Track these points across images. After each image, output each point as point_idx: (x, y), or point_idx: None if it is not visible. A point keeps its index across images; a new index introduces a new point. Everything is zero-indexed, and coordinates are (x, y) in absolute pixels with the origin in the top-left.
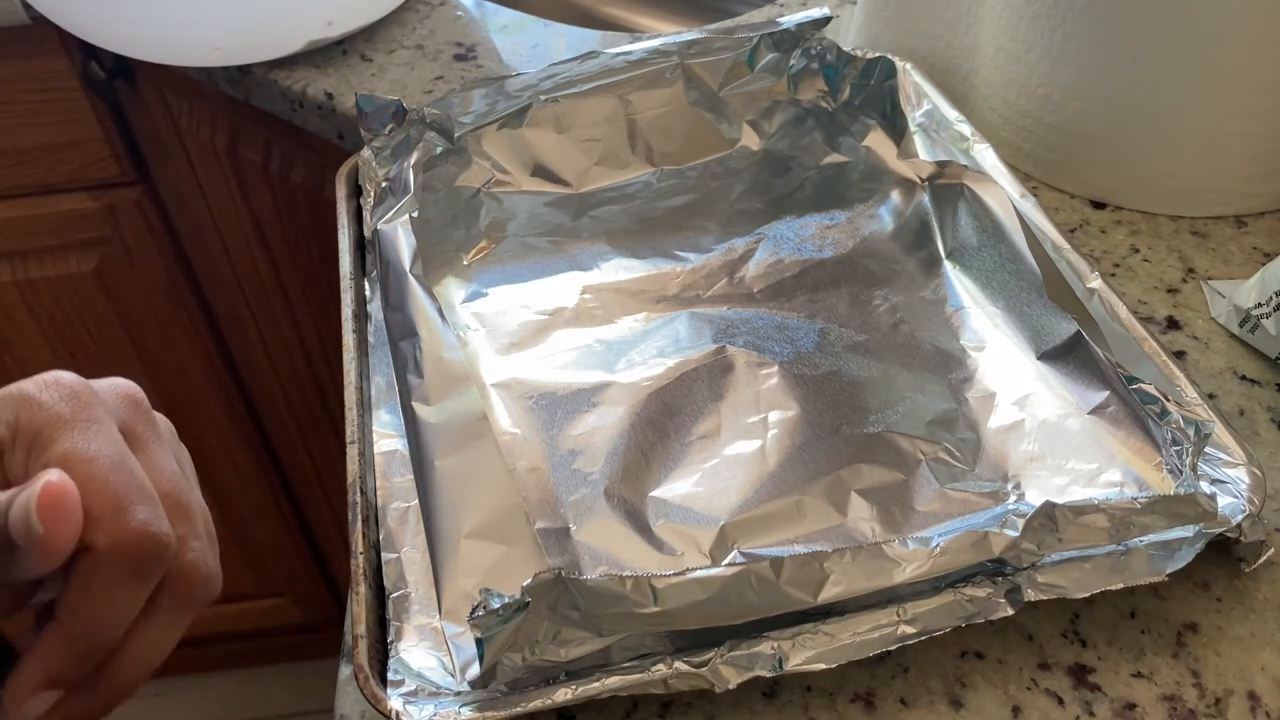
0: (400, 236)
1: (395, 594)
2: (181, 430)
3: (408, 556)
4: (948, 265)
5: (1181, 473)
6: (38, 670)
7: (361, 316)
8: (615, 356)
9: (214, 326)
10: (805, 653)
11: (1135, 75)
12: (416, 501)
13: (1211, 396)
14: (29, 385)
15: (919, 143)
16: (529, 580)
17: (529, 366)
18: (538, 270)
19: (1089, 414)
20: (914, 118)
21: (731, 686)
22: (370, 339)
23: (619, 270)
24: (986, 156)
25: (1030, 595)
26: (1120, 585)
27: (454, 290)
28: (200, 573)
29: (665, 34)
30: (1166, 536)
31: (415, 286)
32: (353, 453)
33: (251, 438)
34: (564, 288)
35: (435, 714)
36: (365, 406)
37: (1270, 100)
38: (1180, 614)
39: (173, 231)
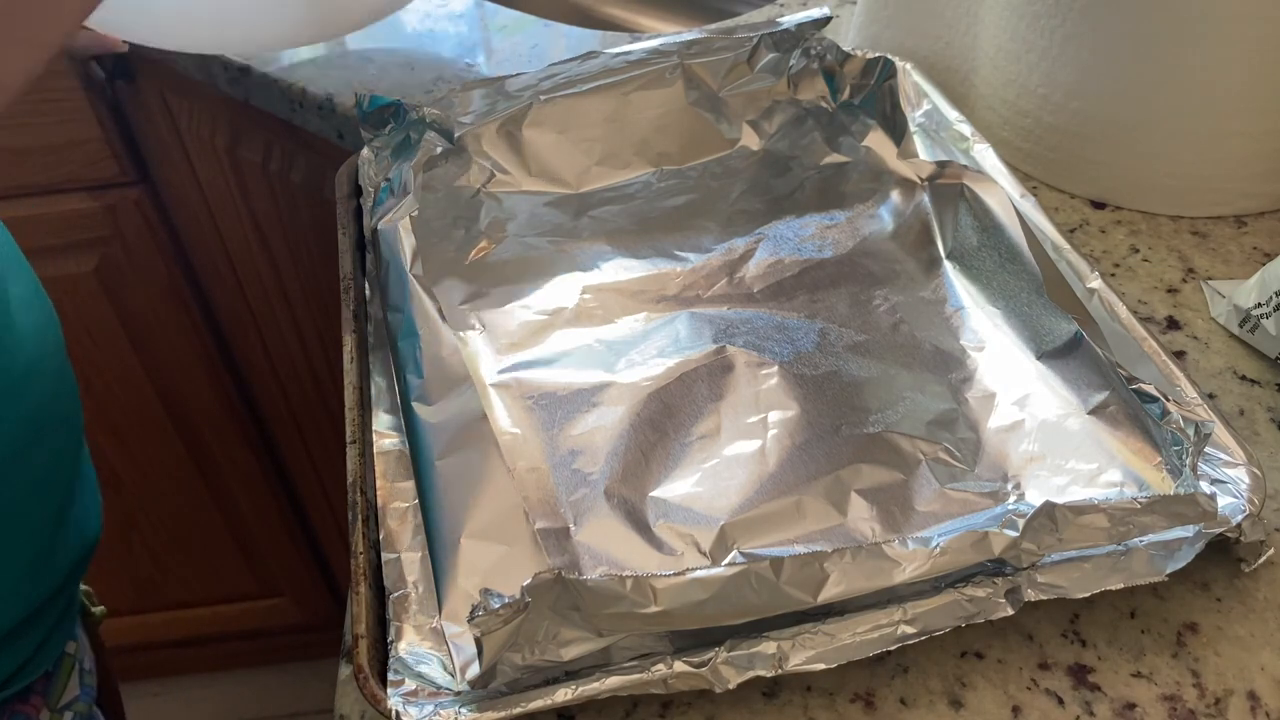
0: (400, 236)
1: (395, 594)
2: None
3: (408, 556)
4: (948, 265)
5: (1181, 473)
6: None
7: (361, 316)
8: (615, 356)
9: (214, 326)
10: (805, 653)
11: (1135, 76)
12: (416, 501)
13: (1211, 396)
14: None
15: (919, 143)
16: (529, 580)
17: (529, 366)
18: (538, 270)
19: (1089, 414)
20: (914, 118)
21: (731, 686)
22: (370, 339)
23: (619, 270)
24: (986, 156)
25: (1030, 595)
26: (1120, 585)
27: (454, 290)
28: None
29: (665, 34)
30: (1166, 536)
31: (415, 286)
32: (353, 453)
33: (251, 437)
34: (564, 288)
35: (435, 714)
36: (365, 406)
37: (1270, 100)
38: (1180, 614)
39: (173, 231)
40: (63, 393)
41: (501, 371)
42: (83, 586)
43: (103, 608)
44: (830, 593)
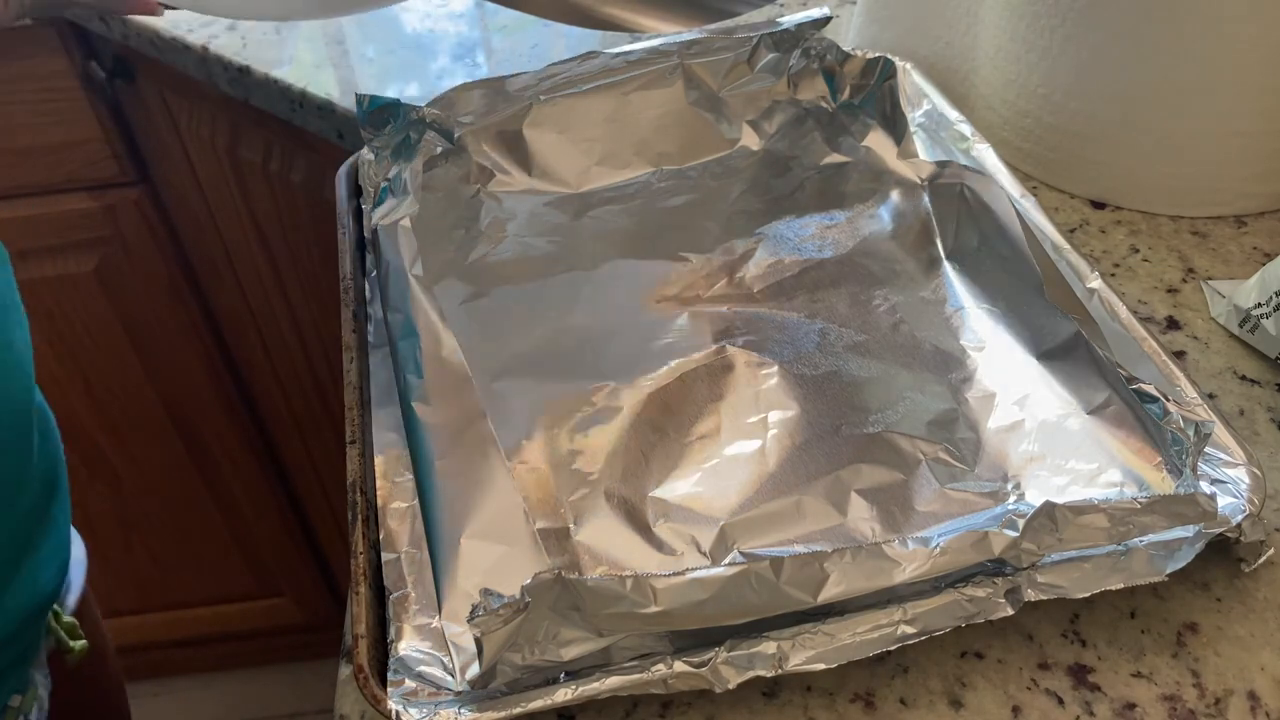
0: (400, 236)
1: (395, 594)
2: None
3: (408, 556)
4: (948, 265)
5: (1181, 473)
6: None
7: (361, 316)
8: (615, 356)
9: (214, 326)
10: (805, 653)
11: (1135, 75)
12: (416, 501)
13: (1211, 396)
14: None
15: (919, 143)
16: (529, 580)
17: (529, 366)
18: (538, 270)
19: (1089, 414)
20: (914, 118)
21: (731, 686)
22: (370, 339)
23: (619, 270)
24: (986, 156)
25: (1030, 595)
26: (1120, 585)
27: (454, 290)
28: None
29: (665, 34)
30: (1166, 536)
31: (415, 286)
32: (353, 453)
33: (251, 438)
34: (564, 288)
35: (435, 714)
36: (365, 406)
37: (1270, 100)
38: (1180, 614)
39: (173, 231)
40: (24, 447)
41: (501, 371)
42: (65, 618)
43: (84, 642)
44: (830, 593)
